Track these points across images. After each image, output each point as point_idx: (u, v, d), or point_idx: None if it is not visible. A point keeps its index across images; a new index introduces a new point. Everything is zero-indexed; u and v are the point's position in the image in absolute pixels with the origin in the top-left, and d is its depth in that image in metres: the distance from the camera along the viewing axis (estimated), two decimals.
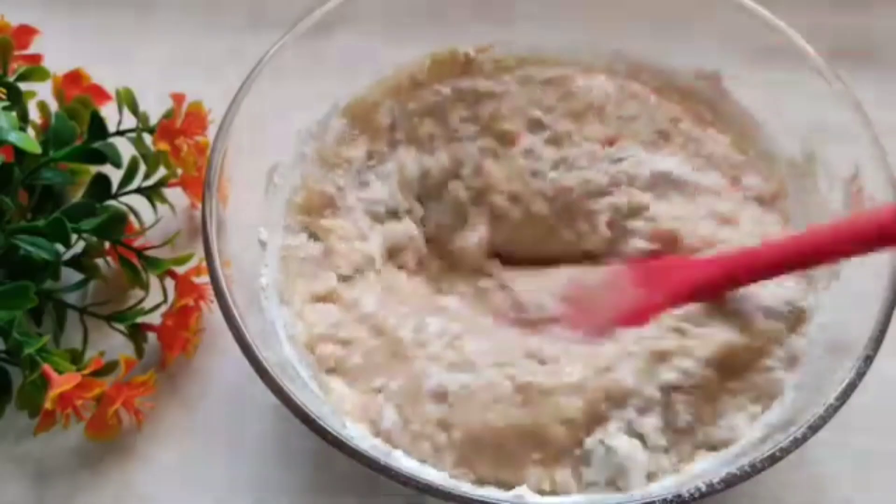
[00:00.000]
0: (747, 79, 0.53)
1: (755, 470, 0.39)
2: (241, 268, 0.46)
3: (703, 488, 0.38)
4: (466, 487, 0.44)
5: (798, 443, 0.39)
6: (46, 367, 0.48)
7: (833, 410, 0.40)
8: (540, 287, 0.52)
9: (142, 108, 0.56)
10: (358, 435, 0.44)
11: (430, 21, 0.55)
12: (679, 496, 0.38)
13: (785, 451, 0.39)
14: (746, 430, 0.45)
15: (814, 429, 0.40)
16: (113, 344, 0.53)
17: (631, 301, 0.49)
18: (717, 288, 0.48)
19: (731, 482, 0.39)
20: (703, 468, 0.44)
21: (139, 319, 0.53)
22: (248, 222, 0.49)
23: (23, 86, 0.55)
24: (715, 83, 0.54)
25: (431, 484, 0.39)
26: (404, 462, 0.44)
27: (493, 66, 0.56)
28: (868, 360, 0.41)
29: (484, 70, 0.56)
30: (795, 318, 0.48)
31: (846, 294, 0.47)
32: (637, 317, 0.48)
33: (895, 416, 0.52)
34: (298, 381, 0.45)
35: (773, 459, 0.39)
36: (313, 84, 0.53)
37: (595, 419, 0.45)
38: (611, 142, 0.54)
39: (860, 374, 0.41)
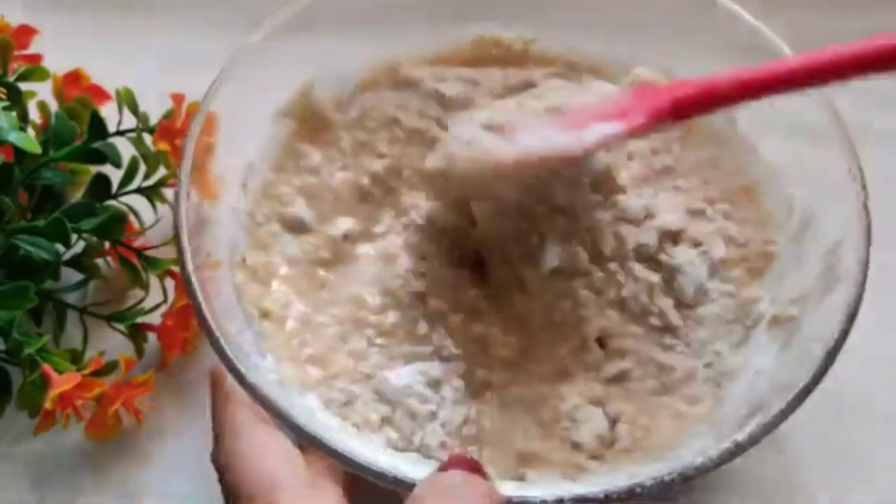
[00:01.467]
0: None
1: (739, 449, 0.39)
2: (230, 269, 0.47)
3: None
4: None
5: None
6: (46, 367, 0.48)
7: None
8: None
9: (142, 108, 0.56)
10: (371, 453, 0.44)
11: (418, 18, 0.55)
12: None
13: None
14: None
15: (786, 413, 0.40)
16: (113, 344, 0.53)
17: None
18: (708, 103, 0.44)
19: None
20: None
21: (139, 319, 0.53)
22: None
23: (23, 86, 0.55)
24: None
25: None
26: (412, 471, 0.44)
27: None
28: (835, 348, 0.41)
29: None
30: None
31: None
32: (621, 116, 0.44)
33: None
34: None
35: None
36: (292, 79, 0.53)
37: None
38: None
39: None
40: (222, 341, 0.41)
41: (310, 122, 0.54)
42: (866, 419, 0.52)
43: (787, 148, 0.50)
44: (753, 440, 0.39)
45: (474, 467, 0.37)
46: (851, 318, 0.42)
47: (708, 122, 0.54)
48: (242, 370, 0.41)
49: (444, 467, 0.37)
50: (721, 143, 0.53)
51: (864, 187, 0.45)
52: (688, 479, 0.38)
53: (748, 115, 0.52)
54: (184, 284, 0.43)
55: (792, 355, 0.44)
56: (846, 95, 0.46)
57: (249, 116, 0.51)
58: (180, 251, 0.44)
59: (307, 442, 0.40)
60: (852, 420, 0.51)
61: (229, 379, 0.42)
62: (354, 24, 0.53)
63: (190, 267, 0.43)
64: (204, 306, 0.42)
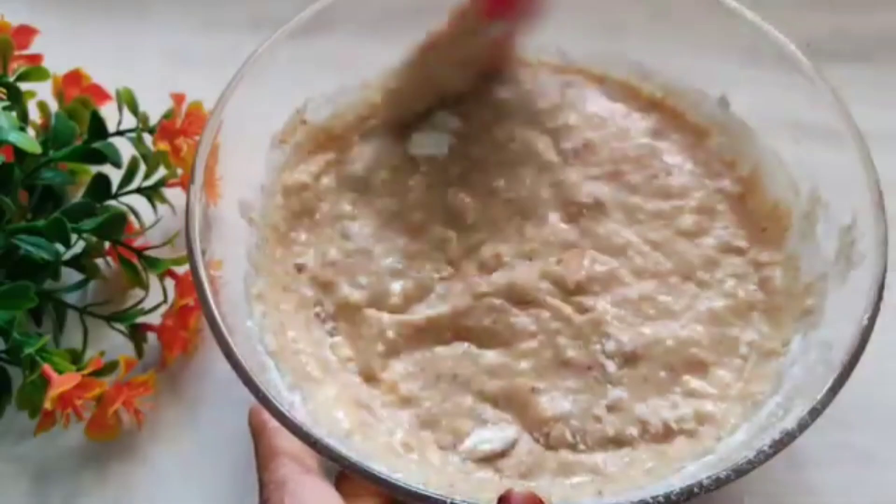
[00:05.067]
0: (739, 82, 0.53)
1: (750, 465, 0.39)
2: (234, 269, 0.47)
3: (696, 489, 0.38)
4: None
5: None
6: (46, 367, 0.48)
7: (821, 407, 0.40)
8: None
9: (142, 108, 0.56)
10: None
11: (427, 23, 0.54)
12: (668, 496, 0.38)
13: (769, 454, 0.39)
14: None
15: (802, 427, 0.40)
16: (113, 344, 0.53)
17: None
18: None
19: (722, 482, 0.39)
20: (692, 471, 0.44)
21: (139, 319, 0.53)
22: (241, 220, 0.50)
23: (23, 86, 0.55)
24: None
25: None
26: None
27: None
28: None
29: None
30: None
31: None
32: None
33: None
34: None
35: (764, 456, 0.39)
36: (304, 84, 0.53)
37: None
38: None
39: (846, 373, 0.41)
40: (260, 384, 0.41)
41: (304, 147, 0.54)
42: (871, 418, 0.52)
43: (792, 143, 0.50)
44: (803, 426, 0.39)
45: (534, 500, 0.37)
46: (879, 295, 0.42)
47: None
48: (284, 411, 0.40)
49: (503, 498, 0.37)
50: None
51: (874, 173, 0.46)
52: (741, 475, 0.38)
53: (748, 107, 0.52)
54: (214, 335, 0.42)
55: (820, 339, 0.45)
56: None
57: (247, 147, 0.51)
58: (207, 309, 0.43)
59: (348, 471, 0.39)
60: (857, 419, 0.51)
61: (269, 425, 0.42)
62: (336, 42, 0.53)
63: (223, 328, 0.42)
64: (238, 355, 0.42)
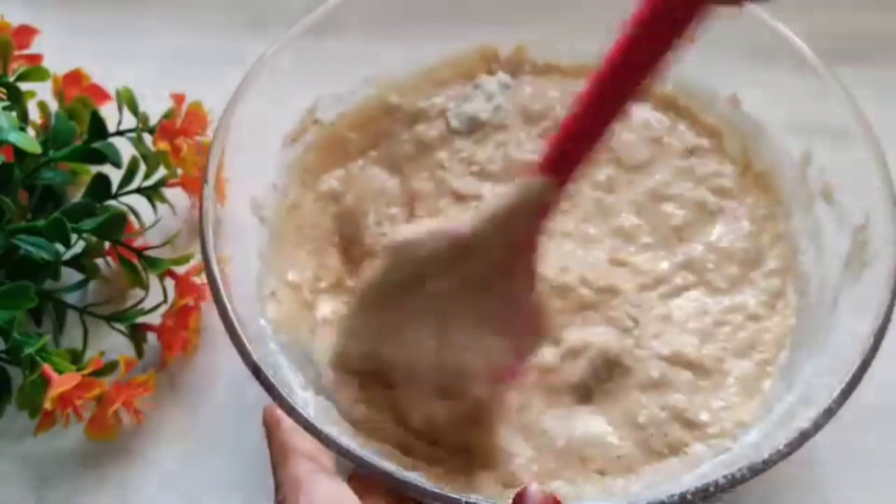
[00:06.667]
0: (747, 81, 0.53)
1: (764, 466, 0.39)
2: (244, 268, 0.47)
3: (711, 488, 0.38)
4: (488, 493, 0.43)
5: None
6: (46, 367, 0.48)
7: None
8: None
9: (142, 108, 0.56)
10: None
11: (436, 23, 0.54)
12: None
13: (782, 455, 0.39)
14: None
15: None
16: (113, 344, 0.53)
17: None
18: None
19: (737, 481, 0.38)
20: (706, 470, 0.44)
21: (139, 319, 0.53)
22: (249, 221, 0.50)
23: (23, 86, 0.55)
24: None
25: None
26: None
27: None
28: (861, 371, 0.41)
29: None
30: None
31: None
32: None
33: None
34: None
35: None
36: (312, 85, 0.53)
37: None
38: None
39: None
40: (274, 383, 0.41)
41: (323, 146, 0.54)
42: (883, 419, 0.51)
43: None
44: (818, 426, 0.39)
45: (550, 500, 0.37)
46: (893, 294, 0.42)
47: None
48: (298, 409, 0.40)
49: (518, 498, 0.37)
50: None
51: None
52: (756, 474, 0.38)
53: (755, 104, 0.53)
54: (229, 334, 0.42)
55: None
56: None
57: (256, 147, 0.51)
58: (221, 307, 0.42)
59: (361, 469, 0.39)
60: (868, 419, 0.51)
61: (283, 424, 0.42)
62: (347, 41, 0.53)
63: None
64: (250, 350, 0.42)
